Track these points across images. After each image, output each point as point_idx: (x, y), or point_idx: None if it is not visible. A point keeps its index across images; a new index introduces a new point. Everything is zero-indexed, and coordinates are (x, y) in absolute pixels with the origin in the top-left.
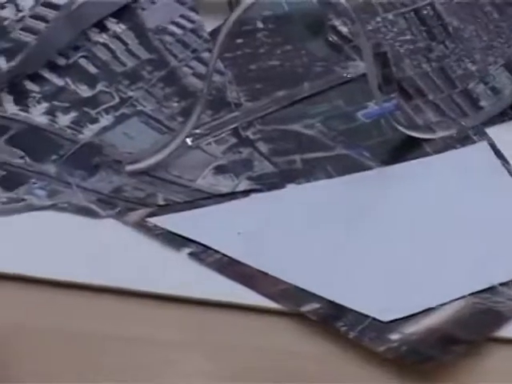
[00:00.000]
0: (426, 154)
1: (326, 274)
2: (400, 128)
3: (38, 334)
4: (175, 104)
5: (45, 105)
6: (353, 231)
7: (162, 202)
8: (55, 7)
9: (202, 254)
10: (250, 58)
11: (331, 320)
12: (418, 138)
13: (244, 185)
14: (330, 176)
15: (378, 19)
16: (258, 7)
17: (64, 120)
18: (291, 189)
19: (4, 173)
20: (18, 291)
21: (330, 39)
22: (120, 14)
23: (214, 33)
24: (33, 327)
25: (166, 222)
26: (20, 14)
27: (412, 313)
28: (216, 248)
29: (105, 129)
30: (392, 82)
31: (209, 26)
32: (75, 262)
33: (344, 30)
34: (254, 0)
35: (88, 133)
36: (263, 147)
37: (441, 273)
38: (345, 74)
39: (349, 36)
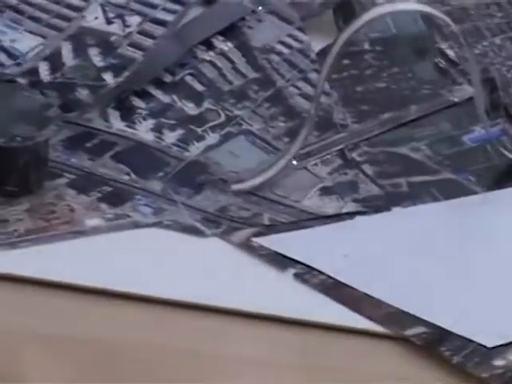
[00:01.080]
0: None
1: (431, 297)
2: (506, 153)
3: (146, 348)
4: (281, 124)
5: (151, 121)
6: (459, 256)
7: (267, 222)
8: (163, 24)
9: (307, 275)
10: (357, 80)
11: (435, 344)
12: None
13: (350, 207)
14: (435, 200)
15: (486, 43)
16: (366, 29)
17: (170, 137)
18: (397, 212)
19: (110, 189)
20: (120, 307)
21: (437, 62)
22: (227, 32)
23: (322, 53)
24: (137, 343)
25: (272, 242)
26: (127, 30)
27: None
28: (321, 269)
29: (211, 147)
30: (499, 107)
31: (316, 46)
32: (179, 280)
33: (451, 53)
34: (363, 22)
35: (194, 151)
36: (369, 169)
37: None
38: (451, 98)
39: (456, 60)
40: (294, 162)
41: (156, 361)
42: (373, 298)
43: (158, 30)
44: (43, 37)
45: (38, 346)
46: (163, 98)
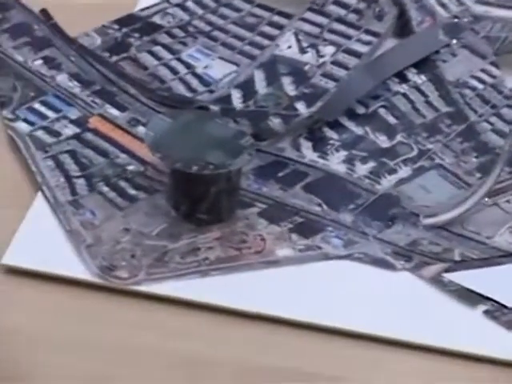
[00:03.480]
0: None
1: None
2: None
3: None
4: (473, 159)
5: (343, 153)
6: None
7: (458, 258)
8: (357, 55)
9: (498, 312)
10: None
11: None
12: None
13: None
14: None
15: None
16: None
17: (362, 169)
18: None
19: (301, 220)
20: (302, 338)
21: None
22: (420, 65)
23: None
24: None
25: (462, 278)
26: (321, 60)
27: None
28: None
29: (402, 180)
30: None
31: (509, 81)
32: (368, 312)
33: None
34: None
35: (386, 184)
36: None
37: None
38: None
39: None
40: (486, 199)
41: None
42: None
43: (352, 61)
44: (236, 64)
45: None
46: (356, 129)
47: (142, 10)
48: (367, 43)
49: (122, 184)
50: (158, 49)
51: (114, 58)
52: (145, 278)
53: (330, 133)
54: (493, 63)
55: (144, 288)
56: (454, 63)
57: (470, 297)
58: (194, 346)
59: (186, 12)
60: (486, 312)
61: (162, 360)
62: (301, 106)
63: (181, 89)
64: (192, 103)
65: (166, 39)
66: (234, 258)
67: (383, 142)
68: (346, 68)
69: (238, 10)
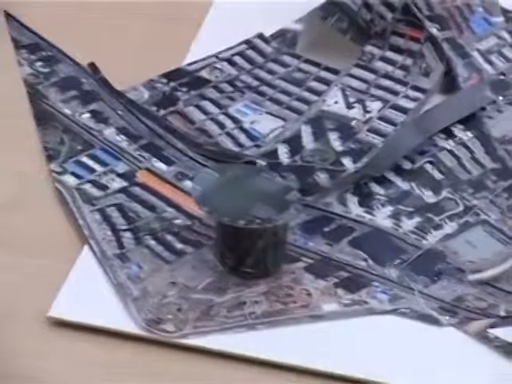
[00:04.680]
0: None
1: None
2: None
3: None
4: None
5: (389, 208)
6: None
7: (503, 314)
8: (403, 111)
9: None
10: None
11: None
12: None
13: None
14: None
15: None
16: None
17: (408, 225)
18: None
19: (347, 274)
20: None
21: None
22: (466, 121)
23: None
24: None
25: (508, 333)
26: (368, 116)
27: None
28: None
29: (448, 236)
30: None
31: None
32: (413, 368)
33: None
34: None
35: (431, 239)
36: None
37: None
38: None
39: None
40: None
41: None
42: None
43: (399, 117)
44: (283, 119)
45: None
46: (402, 184)
47: (190, 64)
48: (414, 99)
49: (169, 238)
50: (205, 103)
51: (162, 112)
52: (191, 331)
53: (376, 188)
54: None
55: (190, 341)
56: (500, 120)
57: None
58: None
59: (234, 67)
60: None
61: None
62: (347, 162)
63: (228, 143)
64: (239, 158)
65: (213, 94)
66: (279, 312)
67: (429, 197)
68: (392, 124)
69: (285, 65)
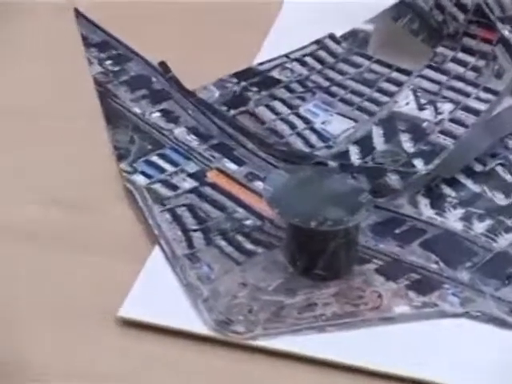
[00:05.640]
0: None
1: None
2: None
3: None
4: None
5: (460, 210)
6: None
7: None
8: (475, 112)
9: None
10: None
11: None
12: None
13: None
14: None
15: None
16: None
17: (479, 227)
18: None
19: (418, 277)
20: None
21: None
22: None
23: None
24: None
25: None
26: (439, 117)
27: None
28: None
29: None
30: None
31: None
32: (483, 372)
33: None
34: None
35: (502, 242)
36: None
37: None
38: None
39: None
40: None
41: None
42: None
43: (470, 119)
44: (354, 120)
45: None
46: (473, 187)
47: (261, 63)
48: (486, 101)
49: (240, 238)
50: (276, 103)
51: (232, 112)
52: (261, 333)
53: (447, 190)
54: None
55: (260, 343)
56: None
57: None
58: None
59: (305, 67)
60: None
61: None
62: (418, 163)
63: (299, 144)
64: (310, 159)
65: (284, 94)
66: (350, 314)
67: (500, 199)
68: (464, 125)
69: (356, 65)
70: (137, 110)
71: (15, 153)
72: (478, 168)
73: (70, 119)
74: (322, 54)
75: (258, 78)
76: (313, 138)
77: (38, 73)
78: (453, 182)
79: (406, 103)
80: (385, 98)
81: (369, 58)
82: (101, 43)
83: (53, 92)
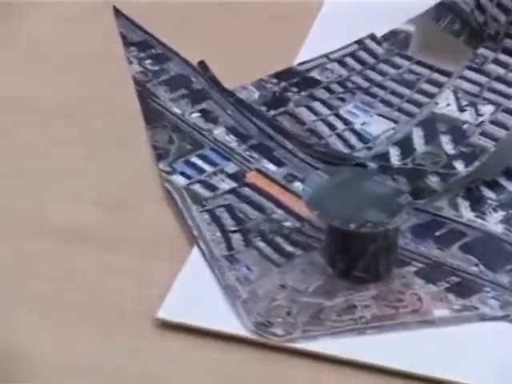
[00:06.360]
0: None
1: None
2: None
3: None
4: None
5: (501, 213)
6: None
7: None
8: None
9: None
10: None
11: None
12: None
13: None
14: None
15: None
16: None
17: None
18: None
19: (458, 279)
20: None
21: None
22: None
23: None
24: None
25: None
26: (480, 119)
27: None
28: None
29: None
30: None
31: None
32: None
33: None
34: None
35: None
36: None
37: None
38: None
39: None
40: None
41: None
42: None
43: (511, 121)
44: (394, 121)
45: None
46: None
47: (301, 64)
48: None
49: (279, 240)
50: (316, 104)
51: (272, 113)
52: (300, 335)
53: (487, 192)
54: None
55: (299, 345)
56: None
57: None
58: None
59: (345, 67)
60: None
61: None
62: (459, 165)
63: (338, 145)
64: (350, 160)
65: (324, 94)
66: (390, 316)
67: None
68: (505, 127)
69: (397, 66)
70: (176, 110)
71: (54, 153)
72: None
73: (110, 119)
74: (363, 54)
75: (298, 79)
76: (352, 139)
77: (77, 73)
78: (493, 185)
79: (446, 104)
80: (425, 99)
81: (409, 58)
82: (140, 42)
83: (92, 92)
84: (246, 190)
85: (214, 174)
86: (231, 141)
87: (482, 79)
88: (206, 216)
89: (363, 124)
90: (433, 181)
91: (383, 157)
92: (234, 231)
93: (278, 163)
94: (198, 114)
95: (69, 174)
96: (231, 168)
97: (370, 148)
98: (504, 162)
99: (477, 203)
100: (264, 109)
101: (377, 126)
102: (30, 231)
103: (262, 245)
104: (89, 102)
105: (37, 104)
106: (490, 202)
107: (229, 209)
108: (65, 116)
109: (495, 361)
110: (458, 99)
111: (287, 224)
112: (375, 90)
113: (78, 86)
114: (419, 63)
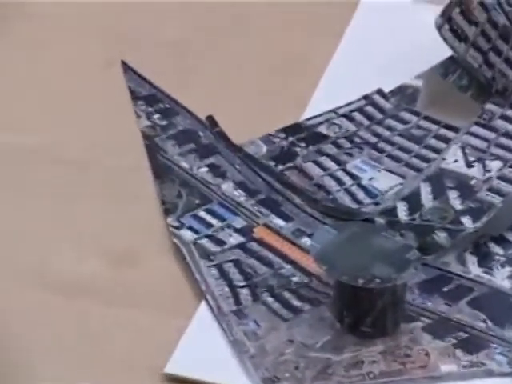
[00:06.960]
0: None
1: None
2: None
3: None
4: None
5: (508, 269)
6: None
7: None
8: None
9: None
10: None
11: None
12: None
13: None
14: None
15: None
16: None
17: None
18: None
19: (466, 335)
20: None
21: None
22: None
23: None
24: None
25: None
26: (487, 175)
27: None
28: None
29: None
30: None
31: None
32: None
33: None
34: None
35: None
36: None
37: None
38: None
39: None
40: None
41: None
42: None
43: None
44: (402, 176)
45: None
46: None
47: (308, 119)
48: None
49: (287, 295)
50: (323, 159)
51: (280, 167)
52: None
53: (495, 248)
54: None
55: None
56: None
57: None
58: None
59: (353, 122)
60: None
61: None
62: (467, 221)
63: (346, 200)
64: (358, 215)
65: (331, 149)
66: (397, 372)
67: None
68: None
69: (404, 121)
70: (184, 165)
71: (61, 204)
72: None
73: (118, 172)
74: (370, 109)
75: (306, 134)
76: (360, 195)
77: (87, 124)
78: (501, 240)
79: (454, 160)
80: (433, 155)
81: (417, 114)
82: (148, 97)
83: (102, 145)
84: (254, 245)
85: (222, 228)
86: (239, 195)
87: (490, 135)
88: (214, 271)
89: (371, 179)
90: (440, 236)
91: (391, 212)
92: (241, 286)
93: (286, 218)
94: (206, 169)
95: (77, 227)
96: (239, 223)
97: (377, 203)
98: (511, 218)
99: (484, 259)
100: (272, 163)
101: (384, 181)
102: (40, 282)
103: (269, 300)
104: (99, 155)
105: (46, 154)
106: (497, 257)
107: (237, 264)
108: (76, 167)
109: None
110: (465, 155)
111: (295, 279)
112: (383, 145)
113: (87, 137)
114: (427, 118)
